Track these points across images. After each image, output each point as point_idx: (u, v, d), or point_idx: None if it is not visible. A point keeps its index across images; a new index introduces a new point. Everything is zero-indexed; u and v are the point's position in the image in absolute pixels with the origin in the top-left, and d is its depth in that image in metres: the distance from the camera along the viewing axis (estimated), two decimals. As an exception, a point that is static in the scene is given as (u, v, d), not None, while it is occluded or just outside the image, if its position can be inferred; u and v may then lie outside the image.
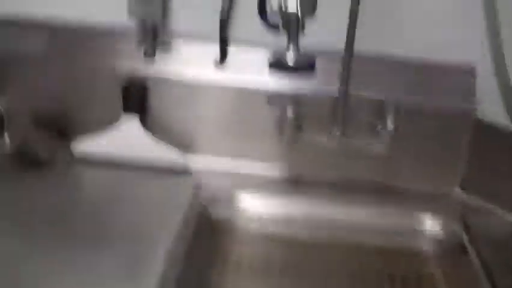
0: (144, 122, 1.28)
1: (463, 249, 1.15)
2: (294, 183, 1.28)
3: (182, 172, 1.26)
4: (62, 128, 1.33)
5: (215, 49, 1.25)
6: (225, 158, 1.31)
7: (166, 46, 1.27)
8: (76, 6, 1.28)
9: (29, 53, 1.29)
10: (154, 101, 1.28)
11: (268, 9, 1.16)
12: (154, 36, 1.25)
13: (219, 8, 1.21)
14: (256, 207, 1.23)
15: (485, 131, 1.22)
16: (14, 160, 1.28)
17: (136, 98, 1.28)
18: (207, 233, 1.18)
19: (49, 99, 1.32)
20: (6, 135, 1.33)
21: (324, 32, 1.17)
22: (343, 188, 1.26)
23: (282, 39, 1.13)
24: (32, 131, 1.31)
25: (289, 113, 1.19)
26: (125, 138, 1.27)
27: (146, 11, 1.22)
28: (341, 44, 1.13)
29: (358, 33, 1.12)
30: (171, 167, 1.26)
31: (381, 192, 1.26)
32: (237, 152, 1.30)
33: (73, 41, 1.29)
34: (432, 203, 1.24)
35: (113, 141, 1.27)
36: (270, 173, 1.29)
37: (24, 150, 1.28)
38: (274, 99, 1.22)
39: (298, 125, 1.20)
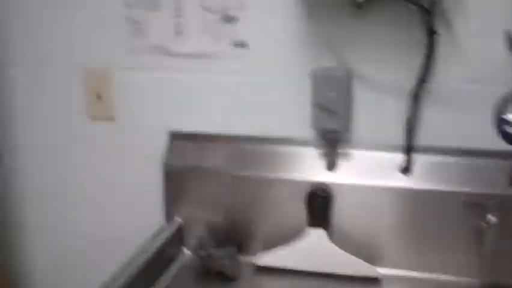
0: (328, 231, 1.24)
1: None
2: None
3: (373, 283, 1.21)
4: (242, 240, 1.32)
5: (398, 157, 1.23)
6: (415, 268, 1.24)
7: (348, 156, 1.25)
8: (257, 121, 1.32)
9: (209, 166, 1.32)
10: (337, 210, 1.25)
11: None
12: (336, 146, 1.25)
13: (401, 117, 1.21)
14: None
15: None
16: (196, 273, 1.27)
17: (320, 209, 1.26)
18: None
19: (228, 211, 1.33)
20: (186, 247, 1.34)
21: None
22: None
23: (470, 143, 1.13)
24: (213, 243, 1.31)
25: (491, 218, 1.13)
26: (312, 251, 1.24)
27: (330, 123, 1.22)
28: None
29: None
30: (361, 278, 1.21)
31: None
32: (429, 262, 1.24)
33: (254, 153, 1.31)
34: None
35: (298, 253, 1.25)
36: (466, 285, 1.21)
37: (206, 263, 1.27)
38: (472, 203, 1.16)
39: (501, 232, 1.13)
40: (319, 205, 1.26)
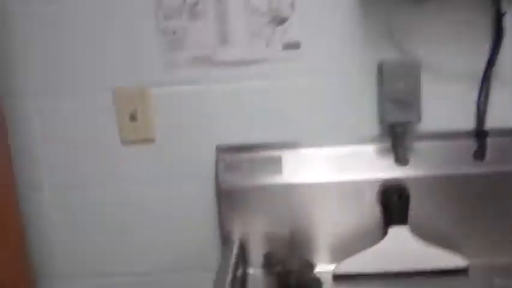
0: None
1: None
2: None
3: (461, 274, 1.18)
4: (310, 251, 1.26)
5: (469, 143, 1.21)
6: (499, 255, 1.22)
7: (418, 147, 1.22)
8: (317, 125, 1.27)
9: (266, 177, 1.25)
10: (414, 204, 1.21)
11: None
12: (405, 139, 1.21)
13: (469, 102, 1.20)
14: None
15: None
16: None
17: (397, 206, 1.21)
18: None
19: (292, 223, 1.26)
20: (252, 267, 1.26)
21: None
22: None
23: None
24: (283, 258, 1.23)
25: None
26: (396, 250, 1.19)
27: (403, 115, 1.19)
28: None
29: None
30: (448, 270, 1.18)
31: None
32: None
33: (316, 158, 1.26)
34: None
35: (382, 255, 1.20)
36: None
37: (285, 279, 1.19)
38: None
39: None
40: (395, 202, 1.21)
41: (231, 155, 1.27)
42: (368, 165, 1.23)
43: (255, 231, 1.26)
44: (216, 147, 1.27)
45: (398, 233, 1.19)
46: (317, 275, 1.19)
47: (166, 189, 1.31)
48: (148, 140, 1.29)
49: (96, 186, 1.33)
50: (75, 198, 1.34)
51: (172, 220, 1.32)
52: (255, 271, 1.26)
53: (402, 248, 1.18)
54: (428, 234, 1.20)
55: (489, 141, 1.21)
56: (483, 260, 1.21)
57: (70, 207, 1.34)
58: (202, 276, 1.31)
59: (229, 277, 1.12)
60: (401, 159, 1.22)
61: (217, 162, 1.27)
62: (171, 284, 1.34)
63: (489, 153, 1.21)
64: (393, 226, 1.19)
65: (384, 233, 1.21)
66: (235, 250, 1.23)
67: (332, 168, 1.24)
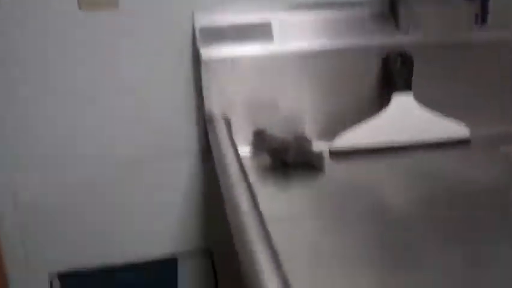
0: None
1: None
2: None
3: (463, 145, 1.11)
4: (304, 126, 1.13)
5: (471, 6, 1.14)
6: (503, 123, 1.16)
7: (417, 13, 1.13)
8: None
9: (252, 43, 1.11)
10: (417, 72, 1.12)
11: None
12: (405, 3, 1.11)
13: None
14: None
15: None
16: (274, 170, 1.06)
17: (401, 74, 1.12)
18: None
19: (283, 96, 1.13)
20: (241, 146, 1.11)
21: None
22: None
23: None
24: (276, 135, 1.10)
25: None
26: (400, 120, 1.10)
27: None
28: None
29: None
30: (456, 140, 1.11)
31: None
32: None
33: (305, 23, 1.13)
34: None
35: (384, 126, 1.10)
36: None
37: (282, 157, 1.06)
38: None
39: None
40: (399, 68, 1.12)
41: (212, 20, 1.10)
42: (367, 31, 1.12)
43: (241, 108, 1.12)
44: (194, 12, 1.09)
45: (403, 101, 1.10)
46: (321, 153, 1.06)
47: (135, 64, 1.13)
48: (110, 3, 1.09)
49: (47, 64, 1.10)
50: (21, 88, 1.10)
51: (143, 101, 1.15)
52: (242, 151, 1.11)
53: (406, 117, 1.10)
54: (428, 104, 1.11)
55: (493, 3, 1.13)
56: (486, 129, 1.14)
57: (15, 102, 1.10)
58: (184, 161, 1.18)
59: (235, 160, 0.96)
60: (401, 25, 1.12)
61: (195, 29, 1.09)
62: (153, 171, 1.17)
63: (491, 17, 1.13)
64: (397, 93, 1.09)
65: (387, 103, 1.10)
66: (224, 128, 1.07)
67: (328, 34, 1.12)
